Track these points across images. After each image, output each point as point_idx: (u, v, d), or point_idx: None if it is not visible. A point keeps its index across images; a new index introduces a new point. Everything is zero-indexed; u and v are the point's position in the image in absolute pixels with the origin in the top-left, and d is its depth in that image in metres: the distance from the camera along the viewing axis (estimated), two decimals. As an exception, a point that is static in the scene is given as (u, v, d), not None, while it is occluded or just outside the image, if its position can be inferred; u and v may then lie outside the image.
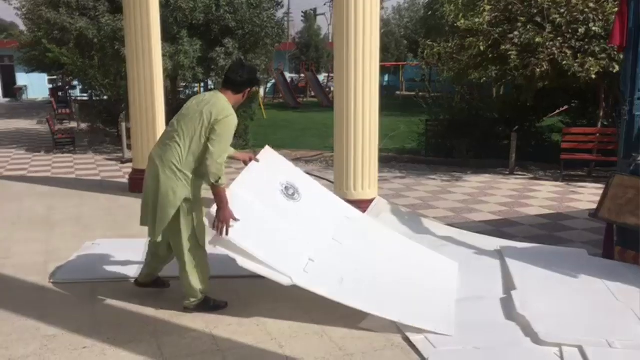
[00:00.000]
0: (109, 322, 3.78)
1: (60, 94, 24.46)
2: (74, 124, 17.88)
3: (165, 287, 4.22)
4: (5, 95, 33.27)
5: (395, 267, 4.29)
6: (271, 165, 4.31)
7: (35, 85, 32.93)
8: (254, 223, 3.79)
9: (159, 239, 3.78)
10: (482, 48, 9.51)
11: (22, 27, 21.99)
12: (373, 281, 3.99)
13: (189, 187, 3.67)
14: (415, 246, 4.72)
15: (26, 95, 33.55)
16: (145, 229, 3.86)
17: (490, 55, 9.76)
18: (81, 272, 4.63)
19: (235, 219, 3.62)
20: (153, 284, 4.19)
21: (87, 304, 4.06)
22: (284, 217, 4.07)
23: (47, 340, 3.52)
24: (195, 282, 3.81)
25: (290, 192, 4.22)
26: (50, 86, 29.23)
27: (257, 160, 4.20)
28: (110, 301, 4.11)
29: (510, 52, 9.06)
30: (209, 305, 3.92)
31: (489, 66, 10.37)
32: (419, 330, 3.55)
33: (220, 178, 3.57)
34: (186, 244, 3.73)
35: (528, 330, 3.53)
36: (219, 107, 3.63)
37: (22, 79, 32.80)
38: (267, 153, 4.36)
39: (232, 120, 3.64)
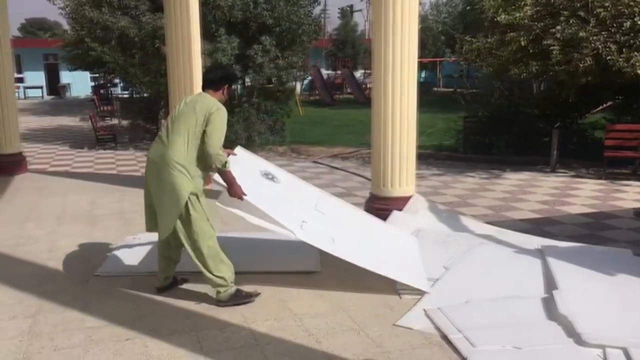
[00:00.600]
0: (150, 315, 3.86)
1: (102, 91, 25.03)
2: (115, 121, 18.29)
3: (181, 283, 4.30)
4: (50, 92, 34.20)
5: (370, 234, 4.83)
6: (246, 158, 4.69)
7: (79, 83, 33.78)
8: (254, 193, 4.08)
9: (167, 235, 3.89)
10: (523, 43, 9.35)
11: (66, 26, 22.54)
12: (357, 244, 4.45)
13: (193, 182, 3.82)
14: (376, 219, 5.23)
15: (70, 93, 34.44)
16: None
17: (532, 51, 9.59)
18: (123, 266, 4.73)
19: (244, 194, 3.94)
20: (172, 284, 4.25)
21: (129, 297, 4.15)
22: (273, 191, 4.46)
23: (92, 331, 3.61)
24: (218, 270, 3.89)
25: (269, 176, 4.61)
26: (93, 84, 29.94)
27: (234, 154, 4.34)
28: (151, 294, 4.19)
29: (552, 47, 8.89)
30: (241, 295, 3.98)
31: (530, 62, 10.17)
32: (413, 290, 3.98)
33: (226, 162, 3.85)
34: (201, 236, 3.85)
35: (571, 331, 3.46)
36: (210, 102, 3.90)
37: (66, 77, 33.68)
38: (240, 150, 4.65)
39: (224, 112, 3.90)
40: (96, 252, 5.16)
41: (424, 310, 3.84)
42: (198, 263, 3.90)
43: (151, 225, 4.08)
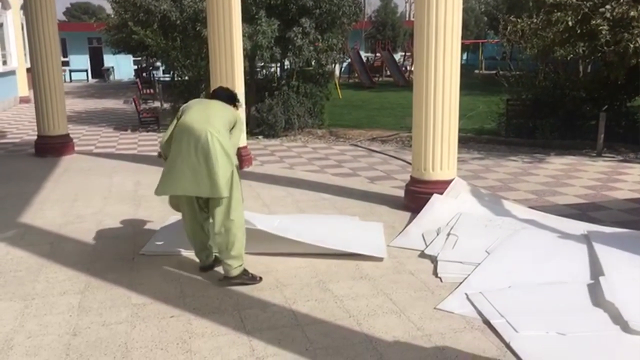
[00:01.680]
0: (194, 293, 3.95)
1: (144, 74, 25.42)
2: (157, 104, 18.58)
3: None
4: (94, 76, 34.94)
5: (334, 226, 5.36)
6: None
7: (122, 66, 34.39)
8: None
9: (224, 195, 3.90)
10: (570, 23, 9.06)
11: (109, 10, 22.89)
12: (320, 234, 4.87)
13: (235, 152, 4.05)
14: (342, 217, 5.75)
15: (113, 76, 35.09)
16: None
17: (579, 31, 9.28)
18: (167, 245, 4.84)
19: None
20: (214, 264, 4.34)
21: (173, 275, 4.25)
22: None
23: (138, 308, 3.72)
24: (243, 246, 4.04)
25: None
26: (135, 67, 30.42)
27: None
28: (194, 273, 4.28)
29: (601, 27, 8.59)
30: (247, 275, 4.09)
31: (577, 42, 9.85)
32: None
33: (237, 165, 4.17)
34: (237, 207, 3.98)
35: (617, 318, 3.39)
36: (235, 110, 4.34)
37: (110, 60, 34.29)
38: None
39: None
40: (141, 231, 5.29)
41: (466, 294, 3.82)
42: (231, 234, 3.96)
43: (164, 190, 4.09)
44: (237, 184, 4.01)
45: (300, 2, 11.96)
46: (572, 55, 10.49)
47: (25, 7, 9.10)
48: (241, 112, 4.68)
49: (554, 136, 10.70)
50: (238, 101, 4.52)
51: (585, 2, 9.01)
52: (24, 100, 19.79)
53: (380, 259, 4.54)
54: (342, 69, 29.26)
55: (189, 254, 4.63)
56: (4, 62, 18.32)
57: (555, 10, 9.43)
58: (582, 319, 3.47)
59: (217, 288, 4.02)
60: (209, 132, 3.86)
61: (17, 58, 19.86)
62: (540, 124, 10.88)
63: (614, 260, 4.20)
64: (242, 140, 8.22)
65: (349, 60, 27.63)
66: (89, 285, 4.08)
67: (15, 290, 4.00)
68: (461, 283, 4.01)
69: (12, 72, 19.00)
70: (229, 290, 3.99)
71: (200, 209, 4.18)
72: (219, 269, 4.22)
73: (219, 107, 4.16)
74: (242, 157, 8.23)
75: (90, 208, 6.11)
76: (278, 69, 14.52)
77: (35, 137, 9.53)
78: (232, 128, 4.15)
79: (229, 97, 4.40)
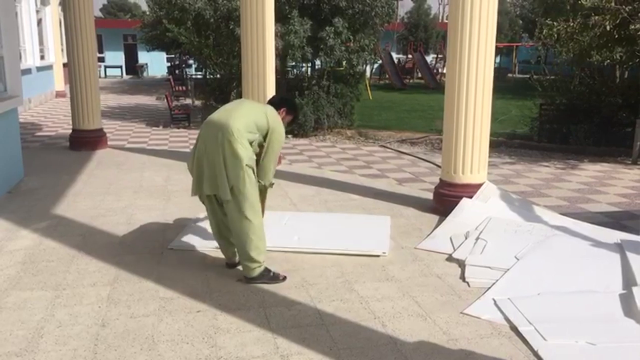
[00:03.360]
0: (220, 289, 3.98)
1: (177, 71, 25.75)
2: (189, 101, 18.80)
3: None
4: (128, 72, 35.52)
5: (335, 224, 5.43)
6: None
7: (155, 63, 34.90)
8: None
9: (226, 197, 3.88)
10: (608, 27, 8.89)
11: (145, 8, 23.27)
12: (322, 235, 5.06)
13: (249, 154, 3.91)
14: (350, 215, 5.80)
15: (147, 72, 35.65)
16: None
17: (617, 35, 9.10)
18: (195, 240, 4.88)
19: None
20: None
21: (200, 271, 4.29)
22: None
23: (165, 302, 3.76)
24: (262, 245, 4.00)
25: None
26: (169, 64, 30.83)
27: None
28: (220, 269, 4.32)
29: (640, 32, 8.39)
30: (269, 274, 4.06)
31: (615, 47, 9.65)
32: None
33: (272, 183, 4.33)
34: (252, 207, 3.92)
35: (650, 330, 3.30)
36: (278, 118, 4.20)
37: (144, 57, 34.84)
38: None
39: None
40: (170, 226, 5.35)
41: (494, 299, 3.77)
42: (245, 234, 3.93)
43: (193, 189, 4.11)
44: (249, 186, 3.88)
45: (333, 2, 11.98)
46: (608, 60, 10.27)
47: (63, 4, 9.29)
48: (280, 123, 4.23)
49: (588, 142, 10.49)
50: (288, 107, 4.38)
51: (624, 6, 8.82)
52: (60, 94, 20.23)
53: (377, 255, 4.56)
54: (373, 70, 29.18)
55: (216, 249, 4.67)
56: (42, 57, 18.75)
57: (593, 14, 9.26)
58: (613, 329, 3.39)
59: (243, 285, 4.04)
60: (221, 132, 3.84)
61: (55, 53, 20.32)
62: (574, 130, 10.69)
63: (648, 271, 4.09)
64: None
65: (380, 61, 27.54)
66: (118, 278, 4.14)
67: (47, 280, 4.09)
68: (489, 288, 3.95)
69: (49, 67, 19.45)
70: (255, 287, 4.00)
71: (219, 207, 4.14)
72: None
73: (247, 108, 4.09)
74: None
75: (122, 201, 6.21)
76: (309, 68, 14.56)
77: (70, 131, 9.72)
78: (266, 135, 4.06)
79: (277, 101, 4.35)
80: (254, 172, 3.95)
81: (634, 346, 3.22)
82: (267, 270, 4.08)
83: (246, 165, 3.85)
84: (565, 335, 3.30)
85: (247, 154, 3.87)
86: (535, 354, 3.15)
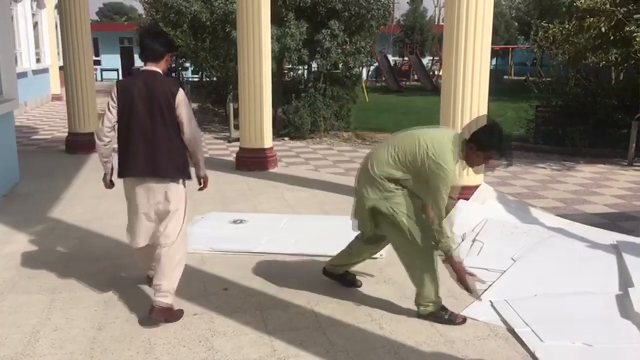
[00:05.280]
0: (217, 292, 3.97)
1: (173, 75, 25.70)
2: (185, 104, 18.74)
3: (355, 286, 4.03)
4: (124, 75, 35.46)
5: (331, 227, 5.28)
6: (217, 216, 5.77)
7: (152, 66, 34.81)
8: (219, 240, 5.00)
9: (355, 229, 3.66)
10: (603, 29, 8.93)
11: (141, 11, 23.25)
12: (319, 239, 5.05)
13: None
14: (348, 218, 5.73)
15: (143, 76, 35.53)
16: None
17: (612, 37, 9.13)
18: (192, 244, 4.85)
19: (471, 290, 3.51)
20: (338, 277, 4.03)
21: (197, 274, 4.28)
22: (237, 232, 5.32)
23: (162, 305, 3.74)
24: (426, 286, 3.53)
25: (238, 222, 5.56)
26: (165, 68, 30.75)
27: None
28: (218, 272, 4.31)
29: (635, 34, 8.42)
30: (443, 317, 3.54)
31: (610, 49, 9.68)
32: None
33: (450, 249, 3.42)
34: (401, 243, 3.52)
35: (647, 332, 3.31)
36: (448, 156, 3.26)
37: (140, 60, 34.76)
38: (213, 214, 5.81)
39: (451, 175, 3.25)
40: (167, 229, 5.33)
41: (491, 301, 3.77)
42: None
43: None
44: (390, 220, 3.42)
45: (330, 5, 11.98)
46: (604, 62, 10.31)
47: (59, 7, 9.28)
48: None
49: (584, 144, 10.52)
50: (493, 151, 3.38)
51: (619, 9, 8.85)
52: (56, 98, 20.19)
53: (374, 258, 4.40)
54: (370, 72, 29.22)
55: (214, 253, 4.67)
56: (38, 61, 18.72)
57: (589, 16, 9.30)
58: (610, 330, 3.40)
59: (240, 287, 4.04)
60: (368, 160, 3.50)
61: (51, 56, 20.29)
62: (571, 132, 10.71)
63: (644, 272, 4.10)
64: (268, 141, 8.25)
65: (377, 64, 27.58)
66: (115, 281, 4.13)
67: (43, 284, 4.08)
68: (486, 290, 3.96)
69: (45, 70, 19.41)
70: (252, 290, 4.00)
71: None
72: (241, 270, 4.24)
73: (415, 139, 3.35)
74: (268, 158, 8.27)
75: (118, 205, 6.13)
76: (306, 71, 14.56)
77: (67, 135, 9.70)
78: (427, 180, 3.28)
79: (477, 139, 3.32)
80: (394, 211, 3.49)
81: (631, 347, 3.22)
82: (443, 309, 3.58)
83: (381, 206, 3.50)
84: (563, 337, 3.30)
85: (381, 187, 3.48)
86: (533, 355, 3.15)
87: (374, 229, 3.57)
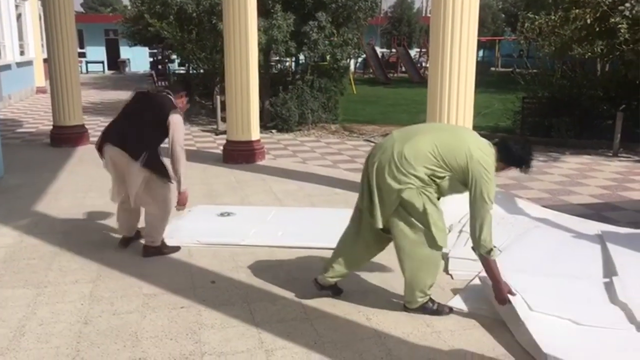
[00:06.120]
0: (204, 285, 3.97)
1: (159, 67, 25.51)
2: (172, 96, 18.61)
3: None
4: (110, 67, 35.14)
5: (319, 219, 5.43)
6: (205, 208, 5.77)
7: (138, 58, 34.50)
8: (210, 234, 5.00)
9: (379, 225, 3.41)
10: (588, 20, 8.97)
11: (126, 2, 23.04)
12: (306, 231, 5.07)
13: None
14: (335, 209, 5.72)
15: (129, 68, 35.26)
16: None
17: (597, 29, 9.19)
18: (178, 237, 4.85)
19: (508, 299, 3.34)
20: (329, 288, 3.77)
21: (184, 267, 4.27)
22: (225, 224, 5.33)
23: (148, 298, 3.74)
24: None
25: (225, 214, 5.57)
26: (151, 59, 30.54)
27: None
28: (205, 265, 4.31)
29: (620, 25, 8.48)
30: (430, 308, 3.55)
31: (595, 40, 9.73)
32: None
33: (492, 250, 3.32)
34: (406, 245, 3.43)
35: (631, 318, 3.35)
36: (489, 160, 3.34)
37: (126, 52, 34.46)
38: (200, 206, 5.80)
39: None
40: (153, 222, 5.30)
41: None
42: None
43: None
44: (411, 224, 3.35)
45: (317, -4, 11.93)
46: (590, 54, 10.37)
47: (43, -2, 9.17)
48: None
49: (570, 135, 10.59)
50: (517, 168, 3.50)
51: (604, 0, 8.90)
52: (40, 90, 19.97)
53: None
54: (357, 64, 29.17)
55: (200, 245, 4.66)
56: (22, 53, 18.48)
57: (574, 8, 9.34)
58: (598, 313, 3.43)
59: (227, 280, 4.03)
60: (393, 152, 3.32)
61: (35, 49, 20.04)
62: (556, 123, 10.77)
63: (628, 261, 4.15)
64: (255, 134, 8.23)
65: (364, 55, 27.53)
66: (100, 275, 4.11)
67: (28, 278, 4.05)
68: (472, 280, 3.98)
69: (29, 63, 19.18)
70: (239, 282, 4.00)
71: None
72: (229, 263, 4.23)
73: (449, 135, 3.36)
74: (255, 150, 8.25)
75: (104, 198, 6.11)
76: (293, 63, 14.51)
77: (51, 127, 9.61)
78: (470, 184, 3.28)
79: (509, 155, 3.39)
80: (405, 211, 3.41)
81: (616, 331, 3.25)
82: (431, 301, 3.58)
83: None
84: (550, 310, 3.33)
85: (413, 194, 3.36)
86: (517, 342, 3.19)
87: (385, 223, 3.42)
